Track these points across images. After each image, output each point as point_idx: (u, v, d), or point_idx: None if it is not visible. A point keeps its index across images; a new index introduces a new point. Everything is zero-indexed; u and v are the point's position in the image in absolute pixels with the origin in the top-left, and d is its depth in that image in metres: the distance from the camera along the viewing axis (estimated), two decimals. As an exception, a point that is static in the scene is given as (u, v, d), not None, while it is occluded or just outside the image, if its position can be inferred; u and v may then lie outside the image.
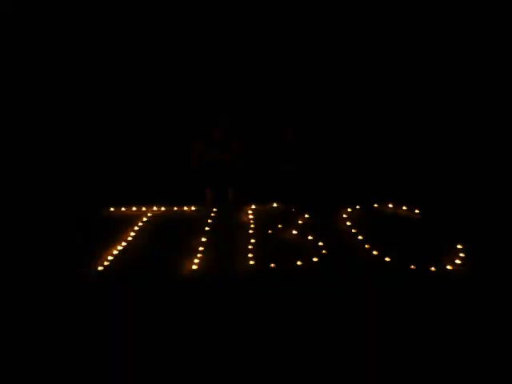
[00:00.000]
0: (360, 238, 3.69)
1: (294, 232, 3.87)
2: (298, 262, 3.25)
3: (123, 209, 4.58)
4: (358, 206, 4.46)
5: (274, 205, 4.63)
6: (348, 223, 4.05)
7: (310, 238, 3.71)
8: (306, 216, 4.25)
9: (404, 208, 4.40)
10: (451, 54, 5.50)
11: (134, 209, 4.58)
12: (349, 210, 4.39)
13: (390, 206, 4.47)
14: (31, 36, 5.45)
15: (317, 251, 3.44)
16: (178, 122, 5.56)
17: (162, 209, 4.59)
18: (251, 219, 4.23)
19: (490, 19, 5.30)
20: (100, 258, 3.35)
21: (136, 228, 4.03)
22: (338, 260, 3.29)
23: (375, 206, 4.49)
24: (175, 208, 4.61)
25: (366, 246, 3.52)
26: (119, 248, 3.57)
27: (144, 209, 4.56)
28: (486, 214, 4.06)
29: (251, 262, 3.26)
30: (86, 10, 5.44)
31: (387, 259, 3.27)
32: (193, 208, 4.62)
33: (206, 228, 4.02)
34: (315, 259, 3.29)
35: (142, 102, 5.67)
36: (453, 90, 5.49)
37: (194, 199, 4.71)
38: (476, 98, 5.42)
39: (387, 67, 5.63)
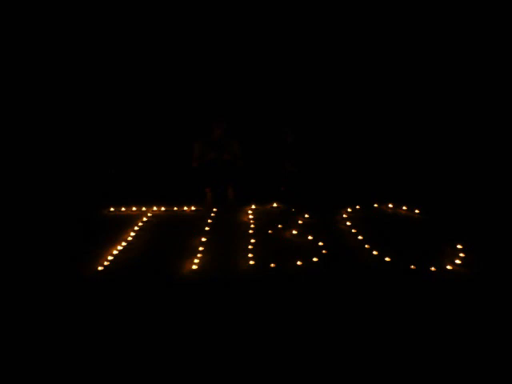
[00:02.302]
0: (360, 238, 3.70)
1: (294, 232, 3.87)
2: (298, 262, 3.25)
3: (123, 209, 4.58)
4: (357, 206, 4.47)
5: (274, 205, 4.64)
6: (348, 223, 4.06)
7: (309, 238, 3.72)
8: (306, 216, 4.25)
9: (404, 208, 4.40)
10: (451, 56, 5.50)
11: (134, 209, 4.58)
12: (349, 209, 4.40)
13: (390, 205, 4.48)
14: (31, 36, 5.46)
15: (317, 251, 3.44)
16: (179, 123, 5.58)
17: (162, 209, 4.59)
18: (251, 219, 4.24)
19: (489, 20, 5.30)
20: (100, 258, 3.35)
21: (136, 228, 4.03)
22: (337, 260, 3.29)
23: (375, 205, 4.50)
24: (175, 208, 4.62)
25: (366, 246, 3.52)
26: (119, 248, 3.57)
27: (144, 209, 4.57)
28: (486, 214, 4.07)
29: (251, 262, 3.26)
30: (87, 10, 5.45)
31: (387, 259, 3.27)
32: (193, 208, 4.62)
33: (206, 228, 4.02)
34: (315, 259, 3.29)
35: (142, 102, 5.68)
36: (452, 91, 5.50)
37: (194, 199, 4.72)
38: (475, 100, 5.43)
39: (387, 69, 5.64)
